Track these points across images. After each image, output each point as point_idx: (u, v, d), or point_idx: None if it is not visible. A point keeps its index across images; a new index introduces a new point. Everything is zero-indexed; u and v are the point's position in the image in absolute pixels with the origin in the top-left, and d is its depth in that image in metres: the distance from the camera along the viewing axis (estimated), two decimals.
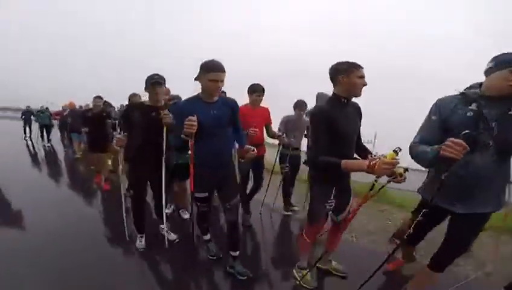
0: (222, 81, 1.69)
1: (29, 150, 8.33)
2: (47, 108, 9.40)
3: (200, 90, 1.80)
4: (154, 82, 2.18)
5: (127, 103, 4.35)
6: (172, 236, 2.61)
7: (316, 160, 1.58)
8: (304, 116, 3.22)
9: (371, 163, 1.31)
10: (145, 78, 2.23)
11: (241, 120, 2.10)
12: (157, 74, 2.21)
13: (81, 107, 7.63)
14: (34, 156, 7.39)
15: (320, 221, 1.88)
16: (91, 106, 4.41)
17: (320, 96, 3.51)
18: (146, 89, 2.23)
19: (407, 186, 2.25)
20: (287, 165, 3.21)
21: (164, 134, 2.23)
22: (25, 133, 10.17)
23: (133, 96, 3.64)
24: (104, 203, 3.79)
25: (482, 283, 2.20)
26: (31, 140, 9.88)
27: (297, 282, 2.03)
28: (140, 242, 2.47)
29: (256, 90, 2.74)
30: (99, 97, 4.17)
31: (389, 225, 3.19)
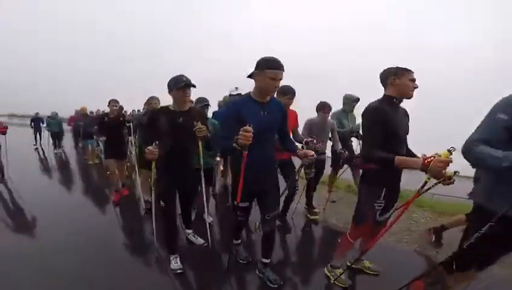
0: (281, 79, 1.61)
1: (40, 157, 8.24)
2: (57, 113, 9.02)
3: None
4: (184, 85, 1.98)
5: (143, 107, 4.26)
6: (200, 241, 2.61)
7: (370, 155, 1.61)
8: (329, 118, 3.17)
9: (426, 161, 1.34)
10: (168, 80, 2.04)
11: None
12: (184, 75, 2.01)
13: (92, 112, 7.67)
14: (45, 164, 7.32)
15: (368, 221, 1.87)
16: (100, 111, 4.15)
17: (347, 97, 3.50)
18: (171, 92, 2.04)
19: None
20: (313, 171, 3.12)
21: (200, 148, 2.18)
22: (35, 140, 9.78)
23: (151, 100, 3.44)
24: (116, 209, 3.69)
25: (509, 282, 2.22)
26: (42, 147, 9.61)
27: (331, 281, 2.06)
28: (176, 263, 2.19)
29: (287, 93, 2.61)
30: (116, 101, 3.81)
31: (412, 224, 3.21)
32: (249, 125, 1.46)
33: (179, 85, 1.97)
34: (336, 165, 3.68)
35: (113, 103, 3.77)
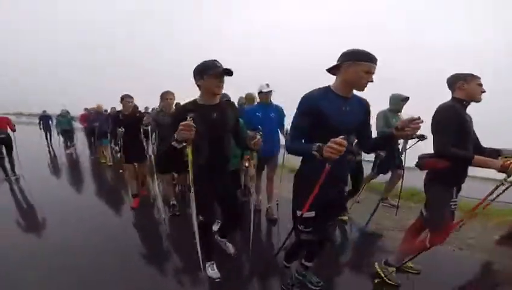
0: (373, 74, 1.39)
1: (50, 156, 8.17)
2: (67, 111, 8.68)
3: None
4: (223, 71, 1.62)
5: (158, 104, 4.02)
6: (231, 248, 2.43)
7: (447, 151, 1.64)
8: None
9: (505, 163, 1.43)
10: (197, 65, 1.68)
11: None
12: (217, 60, 1.66)
13: (106, 111, 7.60)
14: (55, 163, 7.26)
15: (447, 224, 1.80)
16: (115, 109, 3.75)
17: (395, 97, 3.38)
18: (199, 80, 1.67)
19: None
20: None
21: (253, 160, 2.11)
22: (46, 140, 9.39)
23: (166, 95, 3.13)
24: (131, 209, 3.59)
25: None
26: (52, 146, 9.42)
27: (382, 278, 2.05)
28: (213, 270, 2.06)
29: None
30: (129, 96, 3.41)
31: None
32: (344, 139, 1.22)
33: (216, 70, 1.61)
34: (374, 168, 3.43)
35: (126, 98, 3.38)
